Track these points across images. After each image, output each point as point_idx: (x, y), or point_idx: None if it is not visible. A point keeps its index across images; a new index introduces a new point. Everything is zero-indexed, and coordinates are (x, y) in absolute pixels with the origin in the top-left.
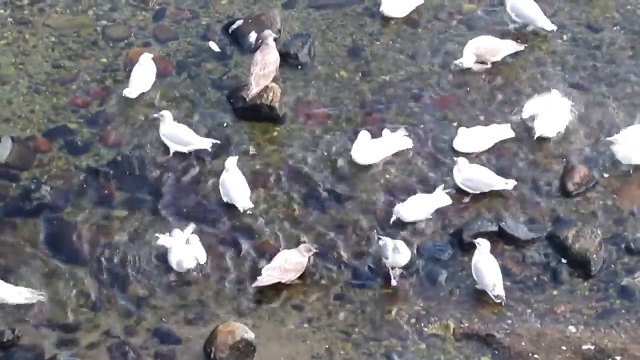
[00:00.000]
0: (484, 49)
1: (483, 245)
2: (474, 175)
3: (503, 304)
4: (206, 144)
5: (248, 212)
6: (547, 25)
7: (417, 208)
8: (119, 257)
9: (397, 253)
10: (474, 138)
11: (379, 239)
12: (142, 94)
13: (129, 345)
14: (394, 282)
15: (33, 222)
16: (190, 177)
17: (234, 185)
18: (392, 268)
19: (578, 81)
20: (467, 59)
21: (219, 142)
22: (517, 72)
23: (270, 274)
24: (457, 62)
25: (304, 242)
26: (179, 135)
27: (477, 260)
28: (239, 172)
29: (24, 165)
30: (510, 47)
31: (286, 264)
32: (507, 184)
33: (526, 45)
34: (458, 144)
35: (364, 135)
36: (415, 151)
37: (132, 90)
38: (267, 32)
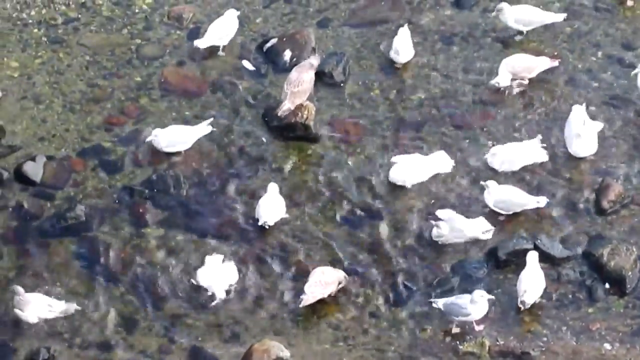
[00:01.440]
0: (519, 67)
1: (530, 258)
2: (505, 196)
3: (522, 309)
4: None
5: (266, 226)
6: (555, 18)
7: (457, 232)
8: (154, 276)
9: (475, 304)
10: (506, 156)
11: (432, 302)
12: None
13: None
14: (480, 327)
15: (68, 242)
16: (225, 196)
17: (266, 204)
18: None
19: (613, 98)
20: (503, 78)
21: (213, 117)
22: (551, 90)
23: (312, 291)
24: (493, 82)
25: (340, 269)
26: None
27: (523, 270)
28: (278, 196)
29: (59, 185)
30: (544, 63)
31: (325, 278)
32: (538, 202)
33: (560, 60)
34: (491, 162)
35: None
36: (451, 169)
37: (203, 41)
38: (314, 57)
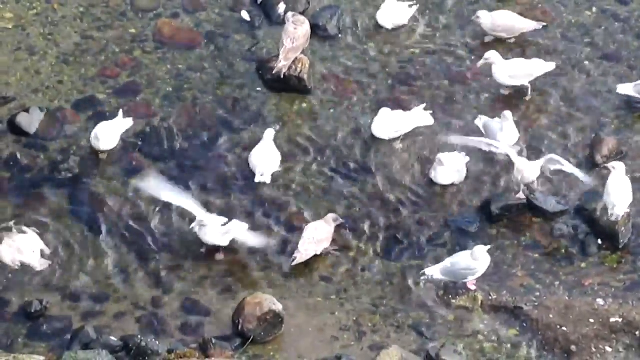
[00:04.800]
0: (499, 26)
1: (618, 168)
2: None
3: (616, 219)
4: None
5: (262, 183)
6: None
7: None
8: (147, 229)
9: (478, 260)
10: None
11: (424, 275)
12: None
13: (156, 317)
14: (473, 286)
15: (61, 193)
16: (218, 149)
17: (261, 155)
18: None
19: (607, 53)
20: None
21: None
22: (546, 46)
23: (306, 249)
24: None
25: (332, 213)
26: None
27: (611, 180)
28: (273, 145)
29: (52, 136)
30: (529, 25)
31: (317, 235)
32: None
33: (545, 25)
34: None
35: (384, 112)
36: (444, 123)
37: None
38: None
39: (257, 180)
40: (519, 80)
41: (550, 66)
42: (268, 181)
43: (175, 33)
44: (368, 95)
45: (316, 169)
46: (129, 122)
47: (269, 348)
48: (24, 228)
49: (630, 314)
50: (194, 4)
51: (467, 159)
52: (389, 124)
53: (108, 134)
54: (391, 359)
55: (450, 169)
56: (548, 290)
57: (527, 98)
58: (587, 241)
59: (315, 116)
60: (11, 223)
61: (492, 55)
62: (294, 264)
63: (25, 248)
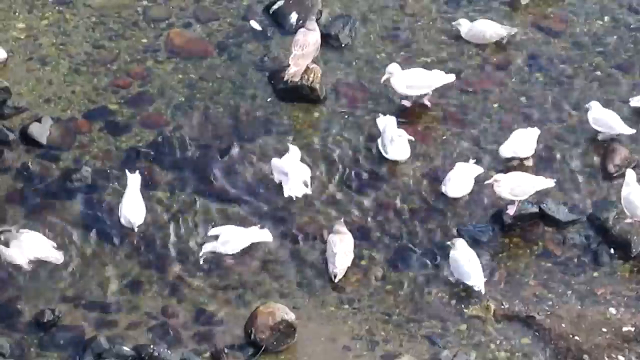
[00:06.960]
0: (471, 34)
1: (629, 176)
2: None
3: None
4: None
5: (294, 197)
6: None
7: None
8: (160, 238)
9: (456, 250)
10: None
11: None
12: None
13: (169, 326)
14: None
15: (73, 203)
16: (231, 158)
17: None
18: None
19: (619, 62)
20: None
21: None
22: (558, 54)
23: (341, 263)
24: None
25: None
26: None
27: (628, 193)
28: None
29: (64, 146)
30: (499, 32)
31: (346, 247)
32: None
33: (517, 31)
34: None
35: (397, 137)
36: (456, 133)
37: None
38: (309, 22)
39: (287, 194)
40: (417, 90)
41: (450, 78)
42: (309, 191)
43: (187, 43)
44: (380, 105)
45: (328, 178)
46: (138, 178)
47: (281, 357)
48: (25, 230)
49: None
50: (205, 13)
51: (481, 170)
52: (404, 147)
53: (138, 211)
54: None
55: (462, 181)
56: (560, 299)
57: (427, 104)
58: (599, 250)
59: (327, 126)
60: (12, 228)
61: (393, 69)
62: (337, 280)
63: (37, 244)
